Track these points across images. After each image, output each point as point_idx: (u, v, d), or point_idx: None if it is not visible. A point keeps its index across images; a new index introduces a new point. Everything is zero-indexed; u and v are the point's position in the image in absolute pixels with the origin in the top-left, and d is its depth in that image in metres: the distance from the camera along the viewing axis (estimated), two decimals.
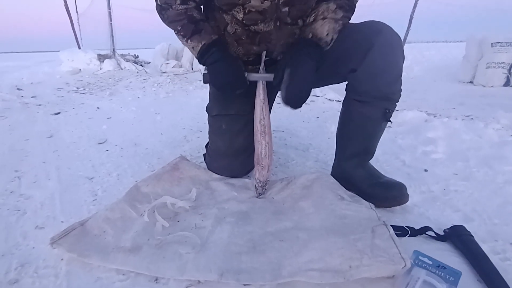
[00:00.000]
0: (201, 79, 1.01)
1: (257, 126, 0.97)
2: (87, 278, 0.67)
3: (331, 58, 0.94)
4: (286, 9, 0.90)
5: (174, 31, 0.97)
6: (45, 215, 0.92)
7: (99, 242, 0.76)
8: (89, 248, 0.73)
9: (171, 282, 0.65)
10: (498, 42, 3.49)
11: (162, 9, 0.95)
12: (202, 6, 1.00)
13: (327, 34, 0.87)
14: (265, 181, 0.98)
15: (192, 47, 0.95)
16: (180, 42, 0.99)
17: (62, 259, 0.72)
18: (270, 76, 0.94)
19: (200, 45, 0.92)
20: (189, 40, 0.94)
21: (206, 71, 0.97)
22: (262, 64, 0.98)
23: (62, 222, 0.88)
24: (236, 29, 0.95)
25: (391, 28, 0.89)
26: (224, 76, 0.93)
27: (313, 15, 0.90)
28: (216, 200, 0.95)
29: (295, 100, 0.89)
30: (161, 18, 0.99)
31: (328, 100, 2.48)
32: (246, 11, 0.90)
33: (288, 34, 0.95)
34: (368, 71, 0.89)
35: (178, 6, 0.92)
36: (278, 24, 0.92)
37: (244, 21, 0.93)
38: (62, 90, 3.44)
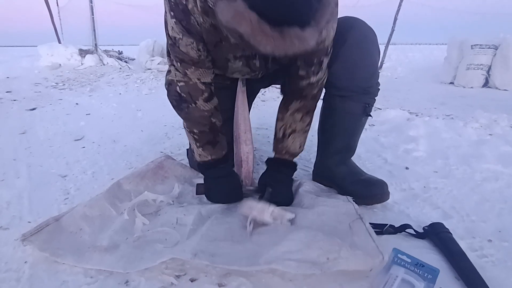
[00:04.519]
0: None
1: (241, 136, 0.97)
2: (51, 282, 0.62)
3: None
4: (257, 63, 0.89)
5: (186, 126, 0.88)
6: (11, 215, 0.87)
7: (74, 240, 0.72)
8: (63, 247, 0.69)
9: (142, 284, 0.62)
10: (477, 44, 3.58)
11: (181, 100, 0.83)
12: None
13: (300, 147, 0.93)
14: (250, 183, 0.98)
15: (199, 154, 0.89)
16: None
17: (25, 262, 0.68)
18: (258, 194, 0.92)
19: (209, 158, 0.89)
20: (200, 148, 0.88)
21: (201, 183, 0.93)
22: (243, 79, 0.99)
23: (29, 222, 0.83)
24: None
25: (364, 22, 0.89)
26: (224, 192, 0.90)
27: (281, 128, 0.91)
28: (200, 198, 0.93)
29: None
30: (174, 106, 0.87)
31: None
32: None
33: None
34: (343, 67, 0.88)
35: (204, 104, 0.83)
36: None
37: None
38: (40, 85, 3.31)
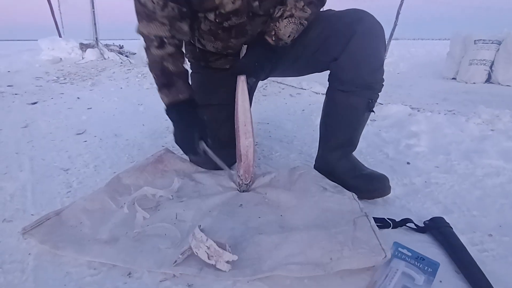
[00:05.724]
0: None
1: (240, 128, 0.95)
2: (55, 273, 0.63)
3: (313, 46, 0.93)
4: (257, 3, 0.89)
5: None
6: (14, 207, 0.88)
7: (74, 233, 0.73)
8: (64, 239, 0.70)
9: (145, 276, 0.62)
10: (480, 39, 3.55)
11: (144, 48, 0.93)
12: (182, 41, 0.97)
13: (289, 36, 0.89)
14: (250, 178, 0.96)
15: (161, 98, 0.95)
16: None
17: (29, 254, 0.68)
18: (222, 165, 0.96)
19: (167, 101, 0.93)
20: (159, 92, 0.95)
21: None
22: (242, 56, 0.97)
23: (32, 215, 0.84)
24: (210, 26, 0.93)
25: (373, 16, 0.88)
26: (178, 138, 0.95)
27: (281, 9, 0.89)
28: (200, 192, 0.93)
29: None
30: None
31: (314, 93, 2.47)
32: (217, 12, 0.89)
33: (263, 23, 0.94)
34: (350, 59, 0.88)
35: (155, 50, 0.90)
36: (250, 14, 0.91)
37: (216, 20, 0.92)
38: (41, 80, 3.30)
